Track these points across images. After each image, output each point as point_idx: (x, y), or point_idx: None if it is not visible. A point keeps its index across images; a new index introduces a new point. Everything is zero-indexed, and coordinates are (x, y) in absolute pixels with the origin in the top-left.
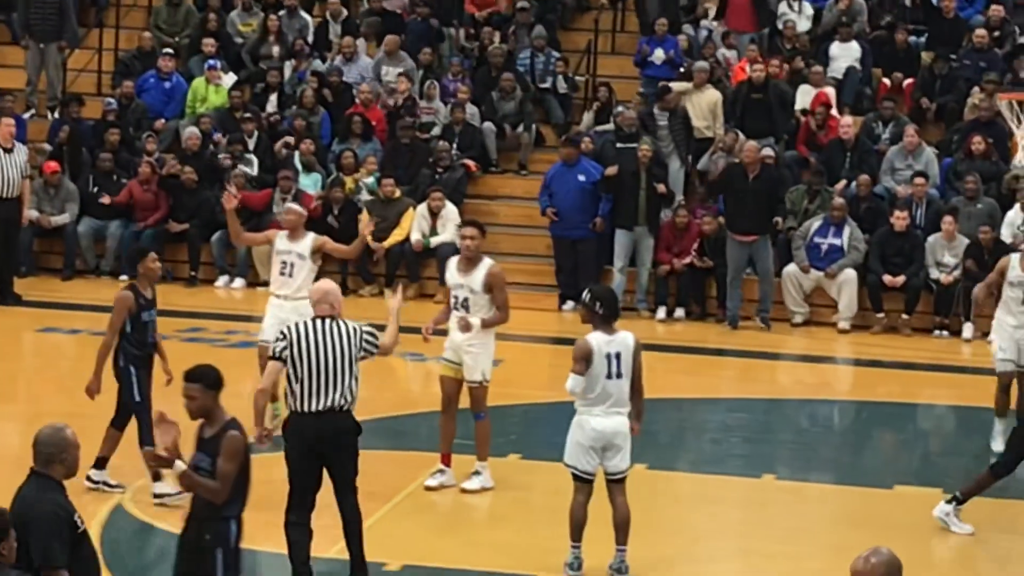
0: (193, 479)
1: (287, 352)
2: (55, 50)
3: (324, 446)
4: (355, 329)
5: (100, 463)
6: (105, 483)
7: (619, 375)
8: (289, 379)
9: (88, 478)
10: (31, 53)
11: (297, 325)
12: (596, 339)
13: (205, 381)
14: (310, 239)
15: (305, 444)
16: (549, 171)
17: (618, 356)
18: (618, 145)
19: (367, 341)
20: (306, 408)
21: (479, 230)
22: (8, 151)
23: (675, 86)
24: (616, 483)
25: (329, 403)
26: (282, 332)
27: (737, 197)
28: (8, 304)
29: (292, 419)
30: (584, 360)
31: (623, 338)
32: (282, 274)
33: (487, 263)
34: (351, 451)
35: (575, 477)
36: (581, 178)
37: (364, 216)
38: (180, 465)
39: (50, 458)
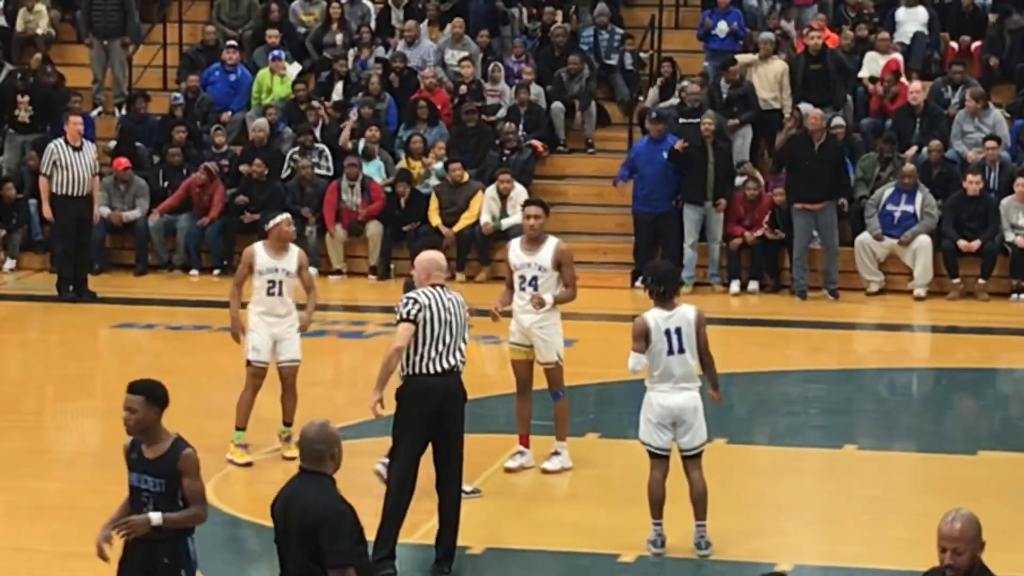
0: (176, 520)
1: (422, 314)
2: (119, 47)
3: (447, 405)
4: (462, 299)
5: None
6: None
7: (681, 350)
8: (416, 342)
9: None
10: (95, 51)
11: (426, 292)
12: (653, 316)
13: (148, 395)
14: (296, 254)
15: (430, 404)
16: (634, 146)
17: (678, 331)
18: (680, 120)
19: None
20: (432, 369)
21: (542, 208)
22: (77, 149)
23: (740, 58)
24: (691, 459)
25: (451, 364)
26: (412, 298)
27: (801, 166)
28: (84, 301)
29: (415, 381)
30: (642, 338)
31: (683, 312)
32: (270, 294)
33: (553, 240)
34: (463, 414)
35: (650, 454)
36: (665, 155)
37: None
38: (155, 517)
39: (320, 455)
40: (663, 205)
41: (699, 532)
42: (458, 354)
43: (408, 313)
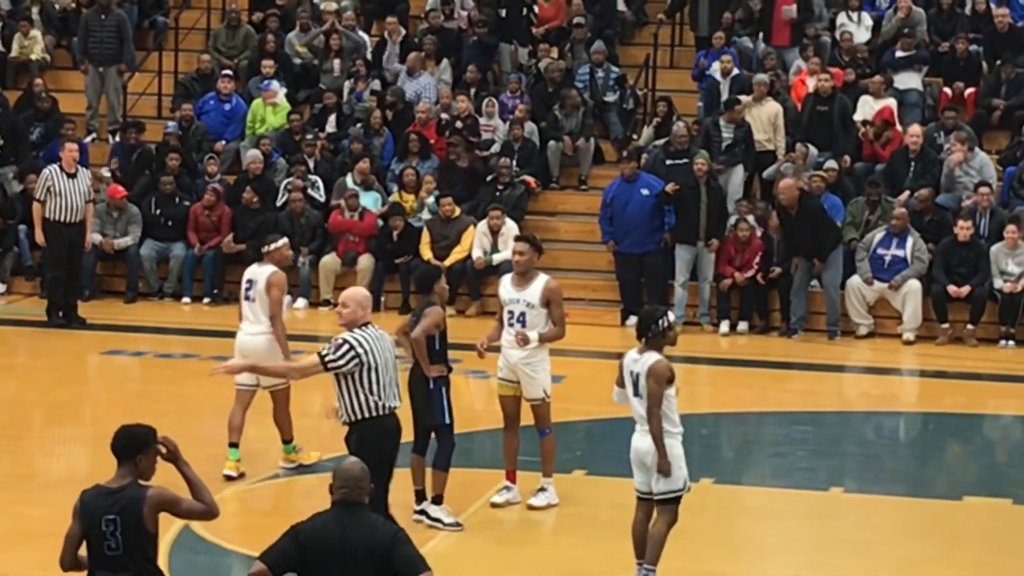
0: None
1: (357, 361)
2: (115, 74)
3: (397, 444)
4: (386, 336)
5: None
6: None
7: (636, 394)
8: (365, 385)
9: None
10: (91, 77)
11: (361, 336)
12: (627, 356)
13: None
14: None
15: (388, 443)
16: (608, 189)
17: (637, 377)
18: (668, 162)
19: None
20: (385, 410)
21: (529, 245)
22: (72, 176)
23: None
24: (655, 503)
25: (395, 403)
26: (350, 346)
27: (787, 230)
28: (73, 327)
29: (374, 424)
30: (619, 372)
31: (645, 360)
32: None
33: (543, 277)
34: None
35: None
36: (644, 192)
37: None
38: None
39: (364, 491)
40: (646, 244)
41: (639, 572)
42: (395, 394)
43: (337, 360)
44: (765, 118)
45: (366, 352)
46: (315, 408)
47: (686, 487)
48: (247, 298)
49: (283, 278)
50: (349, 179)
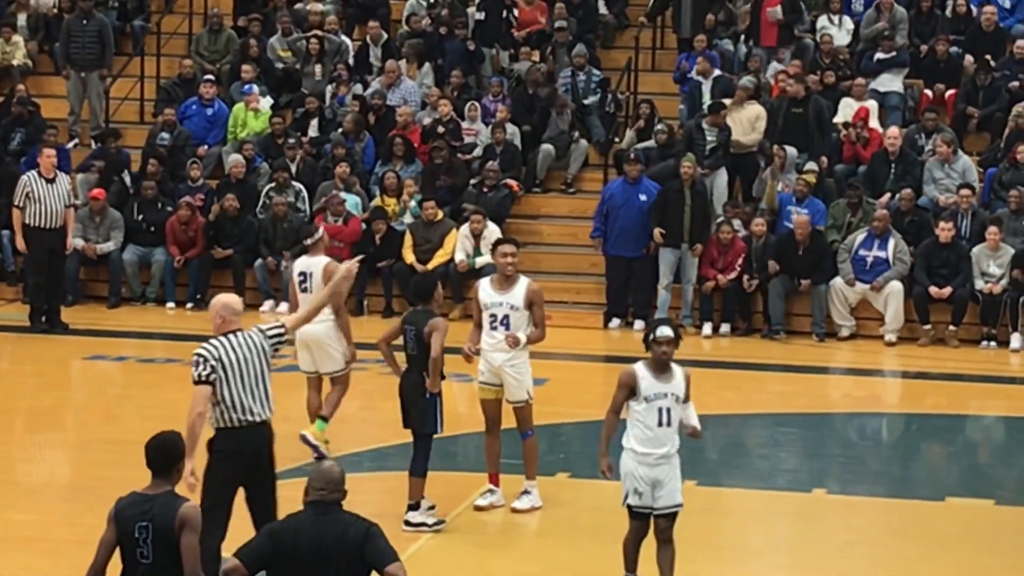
0: None
1: (216, 373)
2: (97, 79)
3: (260, 457)
4: (260, 340)
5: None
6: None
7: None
8: (226, 394)
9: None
10: (72, 82)
11: (216, 344)
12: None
13: None
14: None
15: (242, 459)
16: (608, 187)
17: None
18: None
19: (274, 337)
20: (239, 422)
21: (516, 247)
22: (51, 181)
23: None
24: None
25: (258, 413)
26: (203, 356)
27: (788, 260)
28: (56, 333)
29: (225, 436)
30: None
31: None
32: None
33: (525, 280)
34: (274, 463)
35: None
36: (643, 197)
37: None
38: None
39: (343, 494)
40: (637, 248)
41: None
42: (264, 400)
43: (200, 376)
44: (746, 120)
45: (219, 360)
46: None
47: (624, 501)
48: (303, 290)
49: (338, 267)
50: (353, 200)
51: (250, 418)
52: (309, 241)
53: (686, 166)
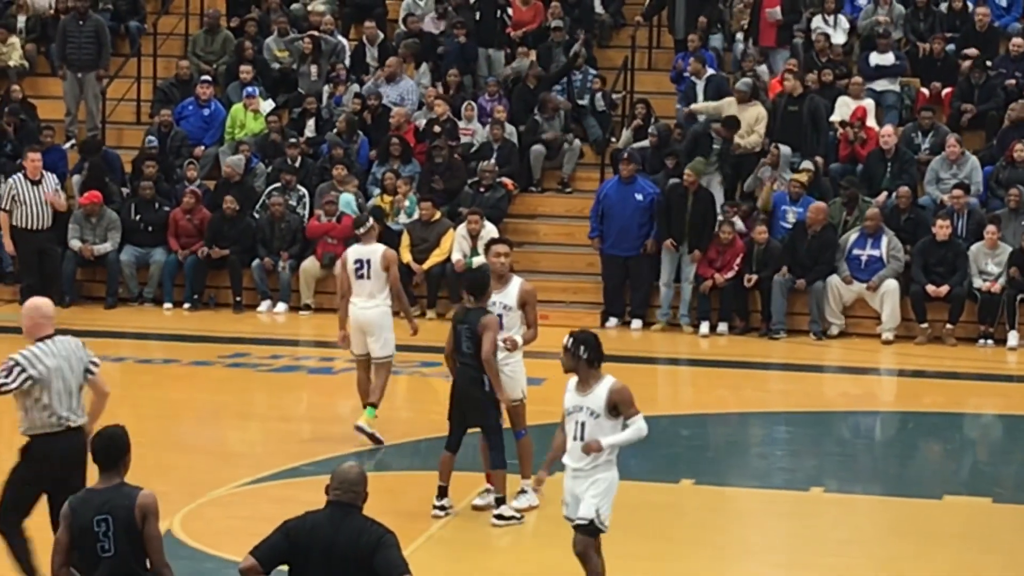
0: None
1: (28, 382)
2: (93, 79)
3: (68, 464)
4: (75, 346)
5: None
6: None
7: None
8: (40, 399)
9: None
10: (69, 83)
11: (28, 353)
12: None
13: None
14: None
15: (50, 466)
16: (603, 187)
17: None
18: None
19: (88, 361)
20: (51, 429)
21: (510, 247)
22: (36, 183)
23: (723, 102)
24: None
25: (67, 420)
26: (14, 361)
27: (795, 253)
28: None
29: (36, 443)
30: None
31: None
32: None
33: (518, 279)
34: (86, 470)
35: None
36: (638, 197)
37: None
38: None
39: (359, 495)
40: (633, 247)
41: None
42: (77, 405)
43: (12, 384)
44: (747, 123)
45: (33, 367)
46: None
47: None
48: (361, 276)
49: (395, 254)
50: (348, 198)
51: (63, 423)
52: (362, 230)
53: (688, 176)
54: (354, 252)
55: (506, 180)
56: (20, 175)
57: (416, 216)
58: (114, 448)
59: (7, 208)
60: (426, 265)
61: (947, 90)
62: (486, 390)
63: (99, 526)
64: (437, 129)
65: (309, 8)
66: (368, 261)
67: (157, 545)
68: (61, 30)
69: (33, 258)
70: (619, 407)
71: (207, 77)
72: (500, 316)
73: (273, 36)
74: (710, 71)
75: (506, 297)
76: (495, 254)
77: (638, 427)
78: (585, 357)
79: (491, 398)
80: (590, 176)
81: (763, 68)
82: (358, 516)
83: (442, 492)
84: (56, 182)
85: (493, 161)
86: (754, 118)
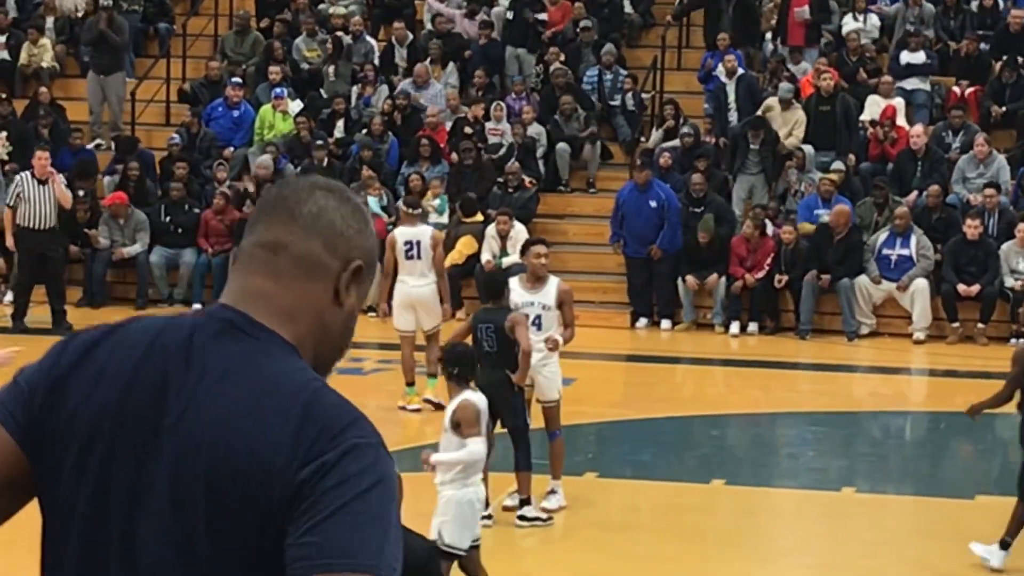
0: None
1: None
2: (116, 81)
3: None
4: None
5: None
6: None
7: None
8: None
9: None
10: (92, 85)
11: None
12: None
13: None
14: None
15: None
16: (621, 193)
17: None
18: (688, 208)
19: None
20: None
21: (548, 247)
22: (42, 183)
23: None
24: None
25: None
26: None
27: (822, 255)
28: (61, 333)
29: None
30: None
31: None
32: (408, 258)
33: (555, 279)
34: None
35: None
36: (652, 204)
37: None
38: None
39: None
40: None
41: None
42: None
43: None
44: (787, 125)
45: None
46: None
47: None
48: (411, 257)
49: (442, 235)
50: (372, 201)
51: None
52: (415, 211)
53: (703, 235)
54: (402, 234)
55: (526, 179)
56: (27, 173)
57: (445, 216)
58: None
59: (12, 204)
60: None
61: (971, 89)
62: (515, 390)
63: None
64: (468, 130)
65: (331, 11)
66: (419, 242)
67: None
68: (86, 32)
69: (32, 257)
70: (460, 425)
71: (238, 79)
72: (539, 316)
73: (302, 37)
74: (740, 71)
75: (545, 297)
76: (535, 255)
77: (470, 450)
78: (455, 373)
79: (521, 399)
80: (619, 176)
81: (802, 66)
82: None
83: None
84: (64, 180)
85: (514, 161)
86: (793, 121)
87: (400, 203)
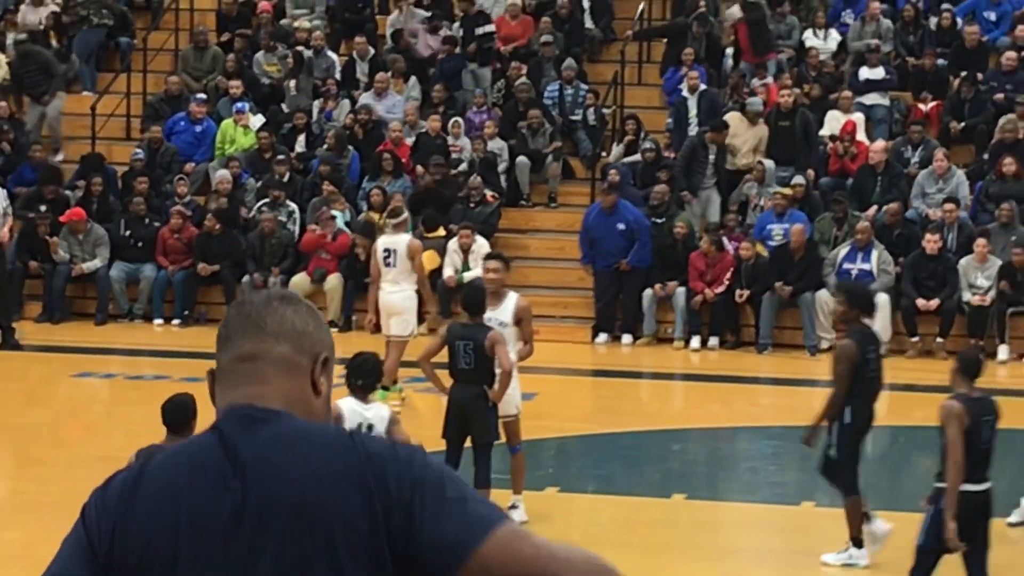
0: None
1: None
2: (48, 103)
3: None
4: None
5: None
6: None
7: None
8: None
9: None
10: (30, 108)
11: None
12: (348, 404)
13: None
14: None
15: None
16: (588, 215)
17: (371, 429)
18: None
19: None
20: None
21: (502, 262)
22: None
23: (727, 117)
24: None
25: None
26: None
27: (784, 273)
28: (7, 349)
29: None
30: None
31: (378, 410)
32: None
33: (514, 295)
34: None
35: None
36: (620, 226)
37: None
38: None
39: None
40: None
41: None
42: None
43: None
44: (750, 141)
45: None
46: None
47: None
48: (388, 264)
49: (420, 244)
50: (337, 215)
51: None
52: (394, 221)
53: (680, 227)
54: (383, 242)
55: (488, 193)
56: None
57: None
58: (183, 412)
59: None
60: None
61: (932, 104)
62: (490, 407)
63: None
64: (437, 156)
65: (295, 24)
66: (395, 250)
67: None
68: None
69: None
70: None
71: (202, 96)
72: None
73: (262, 52)
74: (703, 87)
75: (502, 314)
76: (485, 270)
77: None
78: (359, 384)
79: (496, 415)
80: (580, 191)
81: (768, 80)
82: None
83: None
84: (5, 202)
85: (476, 176)
86: (757, 138)
87: (385, 214)
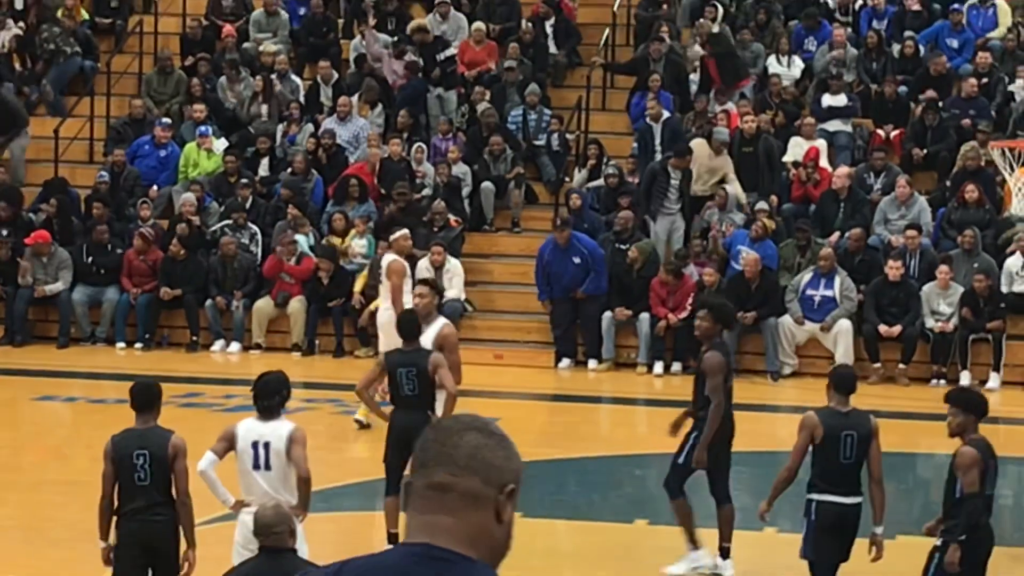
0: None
1: None
2: (15, 145)
3: None
4: None
5: None
6: None
7: (267, 467)
8: None
9: None
10: None
11: None
12: (245, 425)
13: None
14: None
15: None
16: (543, 250)
17: (267, 447)
18: (616, 245)
19: None
20: None
21: (430, 288)
22: None
23: (692, 144)
24: None
25: None
26: None
27: (741, 300)
28: None
29: None
30: (225, 440)
31: (276, 427)
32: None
33: (440, 321)
34: None
35: None
36: (576, 260)
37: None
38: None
39: (281, 535)
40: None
41: None
42: None
43: None
44: (713, 170)
45: None
46: None
47: None
48: (379, 282)
49: (402, 266)
50: (301, 239)
51: None
52: (391, 238)
53: (633, 254)
54: (382, 261)
55: (452, 218)
56: None
57: (375, 256)
58: (149, 395)
59: None
60: (372, 306)
61: (896, 132)
62: None
63: (138, 459)
64: (401, 184)
65: (261, 48)
66: (381, 270)
67: (184, 478)
68: None
69: None
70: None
71: (167, 120)
72: None
73: (225, 75)
74: (666, 114)
75: (423, 338)
76: (415, 295)
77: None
78: (265, 405)
79: None
80: (543, 215)
81: (730, 105)
82: (291, 557)
83: (393, 540)
84: None
85: (439, 200)
86: (719, 167)
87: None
